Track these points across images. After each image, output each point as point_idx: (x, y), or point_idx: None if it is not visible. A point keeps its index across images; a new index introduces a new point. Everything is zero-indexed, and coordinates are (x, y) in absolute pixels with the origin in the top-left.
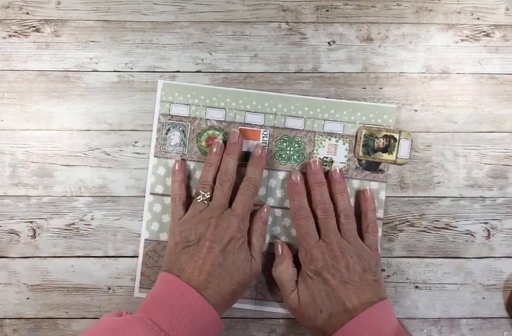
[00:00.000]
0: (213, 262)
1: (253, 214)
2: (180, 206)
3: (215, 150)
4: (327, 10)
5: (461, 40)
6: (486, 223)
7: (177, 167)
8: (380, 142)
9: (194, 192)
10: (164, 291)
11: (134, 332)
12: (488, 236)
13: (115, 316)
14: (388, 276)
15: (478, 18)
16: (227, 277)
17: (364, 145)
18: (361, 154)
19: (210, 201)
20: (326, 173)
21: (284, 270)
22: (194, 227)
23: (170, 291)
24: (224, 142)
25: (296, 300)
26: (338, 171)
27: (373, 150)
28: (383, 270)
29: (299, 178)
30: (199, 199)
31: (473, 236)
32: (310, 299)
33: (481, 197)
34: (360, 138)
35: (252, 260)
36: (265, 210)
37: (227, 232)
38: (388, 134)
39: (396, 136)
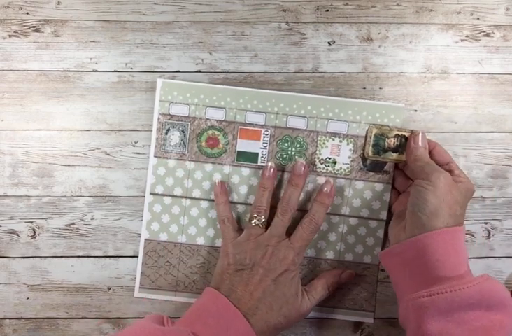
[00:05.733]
0: (264, 290)
1: (334, 270)
2: (230, 227)
3: (267, 174)
4: (327, 10)
5: (461, 40)
6: (486, 223)
7: (219, 189)
8: (391, 142)
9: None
10: (212, 310)
11: None
12: (488, 236)
13: (154, 321)
14: (388, 276)
15: (478, 18)
16: (276, 307)
17: (374, 145)
18: (370, 154)
19: (264, 225)
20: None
21: None
22: (249, 251)
23: (218, 311)
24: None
25: None
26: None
27: (383, 149)
28: (383, 270)
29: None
30: (254, 222)
31: (473, 236)
32: None
33: (481, 197)
34: (370, 137)
35: (304, 297)
36: (347, 275)
37: (282, 264)
38: (400, 133)
39: (408, 135)
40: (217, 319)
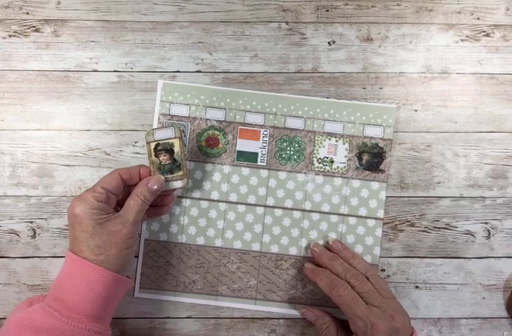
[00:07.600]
0: (93, 235)
1: (144, 179)
2: None
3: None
4: (327, 10)
5: (461, 40)
6: (486, 223)
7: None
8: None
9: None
10: (64, 271)
11: (36, 323)
12: (488, 236)
13: (23, 308)
14: (388, 276)
15: (478, 18)
16: (109, 245)
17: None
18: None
19: None
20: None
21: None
22: None
23: (70, 270)
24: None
25: None
26: (337, 242)
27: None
28: (383, 270)
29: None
30: None
31: (473, 236)
32: None
33: (481, 197)
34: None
35: (120, 218)
36: (154, 179)
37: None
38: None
39: None
40: (70, 280)
